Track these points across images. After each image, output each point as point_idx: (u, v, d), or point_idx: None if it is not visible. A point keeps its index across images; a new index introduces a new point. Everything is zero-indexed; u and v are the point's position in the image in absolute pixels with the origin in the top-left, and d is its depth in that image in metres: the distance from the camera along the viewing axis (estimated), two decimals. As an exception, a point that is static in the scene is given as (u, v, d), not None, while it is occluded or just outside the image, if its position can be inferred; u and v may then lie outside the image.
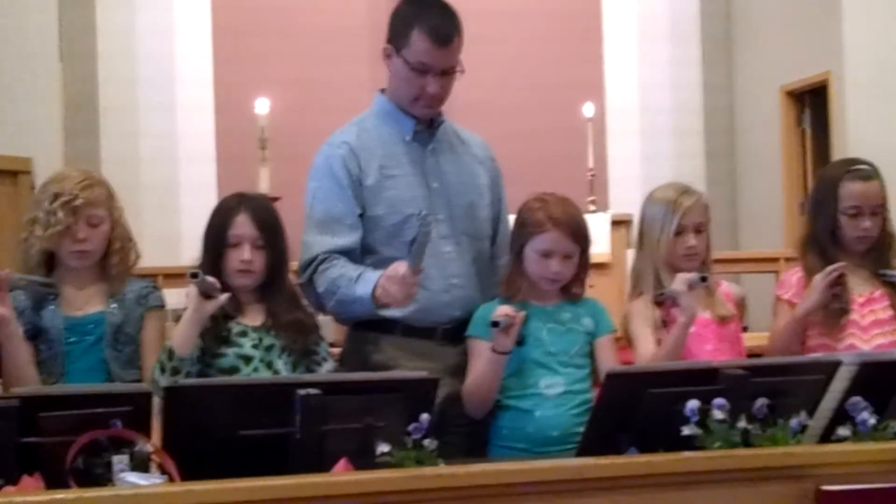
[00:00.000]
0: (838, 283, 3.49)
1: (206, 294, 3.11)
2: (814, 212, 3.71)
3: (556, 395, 3.25)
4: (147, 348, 3.30)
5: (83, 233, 3.24)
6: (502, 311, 3.13)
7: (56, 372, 3.20)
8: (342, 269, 3.29)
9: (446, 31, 3.35)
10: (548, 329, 3.31)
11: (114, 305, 3.29)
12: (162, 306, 3.38)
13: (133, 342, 3.29)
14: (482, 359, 3.22)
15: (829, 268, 3.49)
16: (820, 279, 3.48)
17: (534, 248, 3.29)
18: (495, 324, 3.10)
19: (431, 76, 3.35)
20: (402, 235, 3.30)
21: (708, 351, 3.41)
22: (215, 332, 3.19)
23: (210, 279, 3.11)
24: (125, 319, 3.29)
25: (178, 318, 3.23)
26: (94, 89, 8.15)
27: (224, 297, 3.13)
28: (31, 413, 2.37)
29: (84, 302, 3.29)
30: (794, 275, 3.69)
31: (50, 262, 3.30)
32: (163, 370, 3.09)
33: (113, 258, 3.32)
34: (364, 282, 3.21)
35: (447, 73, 3.38)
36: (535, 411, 3.24)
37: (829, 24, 7.70)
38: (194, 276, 3.06)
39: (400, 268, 3.10)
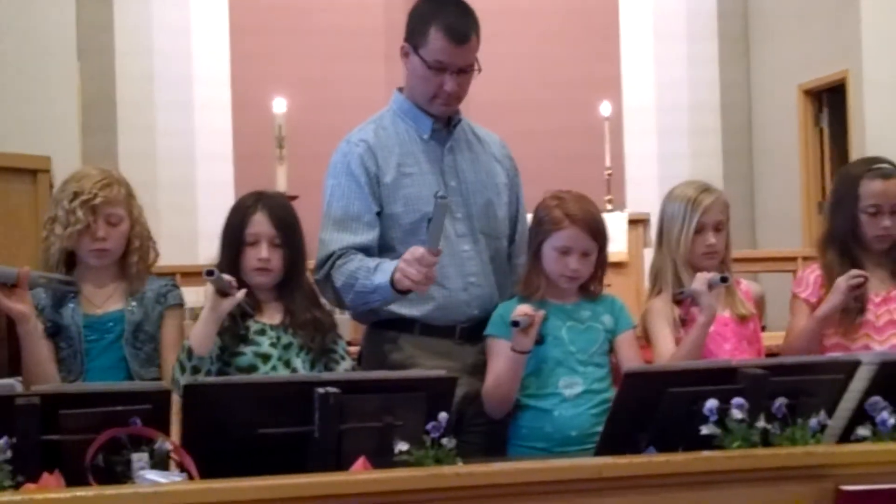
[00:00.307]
0: (859, 286, 3.47)
1: (223, 292, 3.11)
2: (833, 210, 3.70)
3: (576, 394, 3.24)
4: (166, 346, 3.30)
5: (102, 231, 3.25)
6: (521, 310, 3.12)
7: (75, 370, 3.21)
8: (360, 262, 3.29)
9: (463, 29, 3.34)
10: (567, 328, 3.30)
11: (133, 304, 3.30)
12: (181, 304, 3.39)
13: (152, 340, 3.30)
14: (501, 358, 3.22)
15: (854, 271, 3.47)
16: (843, 281, 3.45)
17: (552, 245, 3.28)
18: (515, 323, 3.09)
19: (448, 74, 3.35)
20: (419, 233, 3.30)
21: (727, 350, 3.41)
22: (234, 331, 3.20)
23: (226, 277, 3.11)
24: (144, 318, 3.29)
25: (196, 317, 3.24)
26: (111, 86, 8.18)
27: (240, 294, 3.13)
28: (52, 410, 2.38)
29: (104, 300, 3.30)
30: (811, 273, 3.67)
31: (70, 260, 3.31)
32: (183, 369, 3.09)
33: (132, 257, 3.32)
34: (382, 271, 3.21)
35: (464, 71, 3.38)
36: (554, 411, 3.23)
37: (846, 22, 7.67)
38: (210, 273, 3.06)
39: (417, 250, 3.09)
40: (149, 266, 3.38)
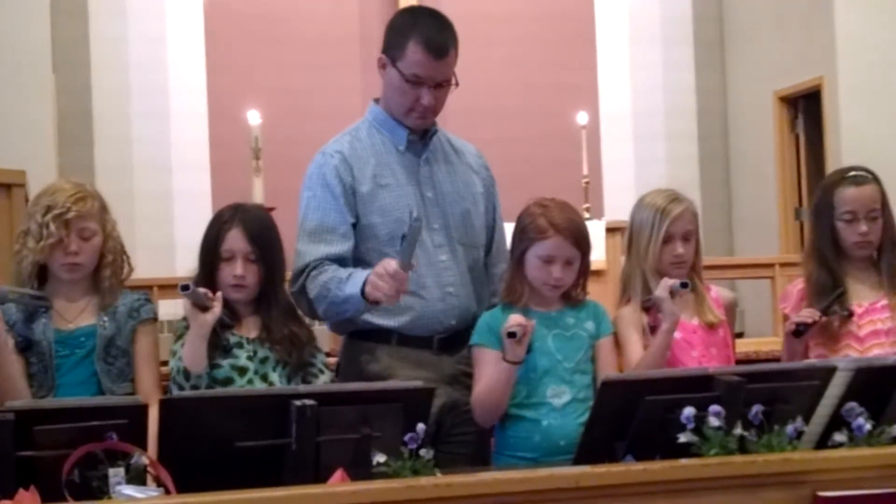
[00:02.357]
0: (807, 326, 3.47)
1: (202, 306, 3.10)
2: (814, 221, 3.72)
3: (564, 403, 3.23)
4: (141, 361, 3.28)
5: (75, 245, 3.22)
6: (515, 320, 3.09)
7: (46, 385, 3.18)
8: (332, 273, 3.28)
9: (442, 42, 3.34)
10: (553, 336, 3.29)
11: (105, 318, 3.27)
12: (154, 318, 3.37)
13: (125, 355, 3.28)
14: (491, 367, 3.20)
15: (791, 319, 3.49)
16: (787, 325, 3.49)
17: (536, 254, 3.28)
18: (512, 334, 3.06)
19: (426, 88, 3.35)
20: (395, 244, 3.29)
21: (694, 357, 3.42)
22: (213, 342, 3.18)
23: (201, 290, 3.10)
24: (117, 332, 3.27)
25: (174, 331, 3.23)
26: (87, 99, 8.14)
27: (219, 305, 3.12)
28: (27, 426, 2.38)
29: (76, 315, 3.28)
30: (795, 287, 3.70)
31: (42, 274, 3.29)
32: (182, 390, 3.08)
33: (105, 271, 3.30)
34: (353, 281, 3.21)
35: (441, 85, 3.37)
36: (542, 420, 3.22)
37: (822, 28, 7.70)
38: (185, 288, 3.05)
39: (389, 265, 3.09)
40: (121, 280, 3.36)
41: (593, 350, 3.33)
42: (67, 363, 3.22)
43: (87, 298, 3.31)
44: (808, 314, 3.45)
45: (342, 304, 3.26)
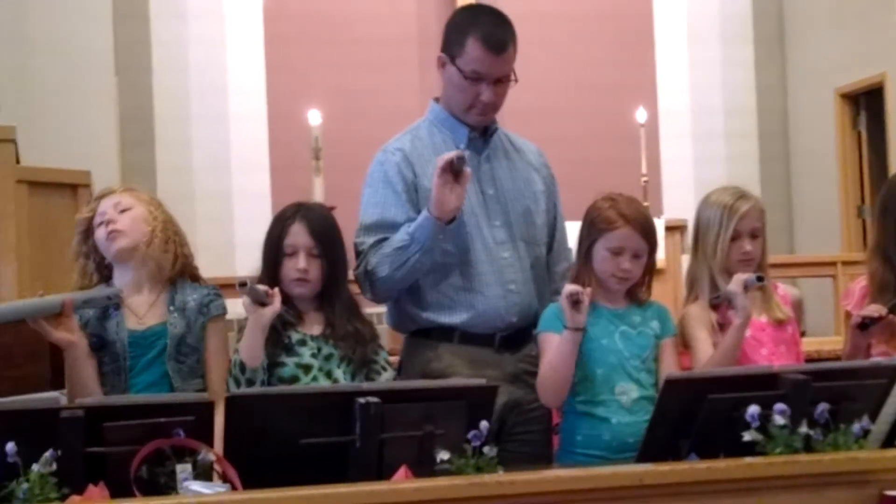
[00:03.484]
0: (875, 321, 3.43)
1: (260, 302, 3.12)
2: (879, 219, 3.67)
3: (632, 401, 3.22)
4: (211, 358, 3.29)
5: (110, 214, 3.27)
6: (569, 288, 3.11)
7: (119, 387, 3.19)
8: (392, 238, 3.31)
9: (501, 38, 3.35)
10: (620, 333, 3.27)
11: (175, 315, 3.28)
12: (224, 314, 3.37)
13: (195, 352, 3.28)
14: (555, 345, 3.19)
15: (857, 313, 3.45)
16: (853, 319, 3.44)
17: (605, 245, 3.26)
18: (576, 301, 3.07)
19: (485, 84, 3.35)
20: (457, 242, 3.30)
21: (764, 355, 3.39)
22: (275, 341, 3.20)
23: (260, 287, 3.12)
24: (187, 330, 3.27)
25: (238, 329, 3.25)
26: (148, 101, 8.25)
27: (277, 300, 3.14)
28: (96, 423, 2.41)
29: (145, 310, 3.28)
30: (857, 284, 3.66)
31: (106, 272, 3.32)
32: (238, 383, 3.10)
33: (167, 261, 3.31)
34: (416, 220, 3.26)
35: (501, 81, 3.38)
36: (612, 418, 3.20)
37: (883, 24, 7.62)
38: (243, 284, 3.08)
39: (441, 159, 3.15)
40: (185, 270, 3.36)
41: (657, 350, 3.32)
42: (140, 363, 3.23)
43: (156, 293, 3.32)
44: (875, 309, 3.40)
45: (407, 249, 3.25)
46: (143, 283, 3.31)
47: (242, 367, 3.12)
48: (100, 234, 3.27)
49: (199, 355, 3.29)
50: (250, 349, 3.13)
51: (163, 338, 3.25)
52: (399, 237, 3.28)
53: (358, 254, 3.37)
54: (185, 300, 3.31)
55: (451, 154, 3.17)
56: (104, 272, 3.33)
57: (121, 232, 3.26)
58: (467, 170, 3.19)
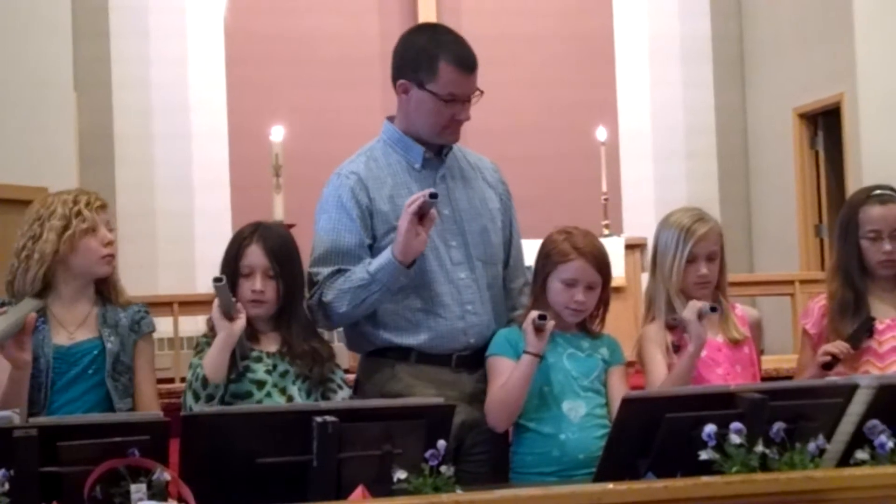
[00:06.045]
0: (836, 357, 3.45)
1: (227, 313, 3.12)
2: (839, 240, 3.70)
3: (580, 417, 3.25)
4: (142, 375, 3.28)
5: (110, 235, 3.24)
6: (537, 313, 3.16)
7: (39, 402, 3.13)
8: (349, 274, 3.29)
9: (471, 57, 3.37)
10: (568, 354, 3.32)
11: (107, 332, 3.24)
12: (153, 332, 3.36)
13: (129, 370, 3.26)
14: (509, 369, 3.22)
15: (822, 349, 3.48)
16: (819, 357, 3.47)
17: (559, 277, 3.30)
18: (543, 317, 3.12)
19: (461, 104, 3.36)
20: (413, 264, 3.30)
21: (719, 374, 3.41)
22: (232, 358, 3.18)
23: (232, 297, 3.12)
24: (121, 348, 3.25)
25: (195, 345, 3.24)
26: (108, 118, 8.21)
27: (244, 316, 3.14)
28: (50, 442, 2.38)
29: (75, 327, 3.25)
30: (816, 303, 3.68)
31: (44, 286, 3.22)
32: (197, 398, 3.09)
33: (112, 278, 3.30)
34: (378, 258, 3.24)
35: (471, 97, 3.39)
36: (560, 435, 3.23)
37: (841, 45, 7.69)
38: (218, 280, 3.08)
39: (411, 202, 3.14)
40: (122, 291, 3.33)
41: (605, 376, 3.35)
42: (62, 380, 3.18)
43: (87, 309, 3.28)
44: (843, 348, 3.43)
45: (368, 287, 3.24)
46: (78, 297, 3.27)
47: (205, 381, 3.10)
48: (92, 246, 3.23)
49: (131, 374, 3.26)
50: (216, 365, 3.12)
51: (89, 354, 3.21)
52: (359, 275, 3.27)
53: (312, 284, 3.36)
54: (117, 318, 3.29)
55: (423, 194, 3.17)
56: (41, 283, 3.21)
57: (114, 259, 3.28)
58: (433, 212, 3.19)
